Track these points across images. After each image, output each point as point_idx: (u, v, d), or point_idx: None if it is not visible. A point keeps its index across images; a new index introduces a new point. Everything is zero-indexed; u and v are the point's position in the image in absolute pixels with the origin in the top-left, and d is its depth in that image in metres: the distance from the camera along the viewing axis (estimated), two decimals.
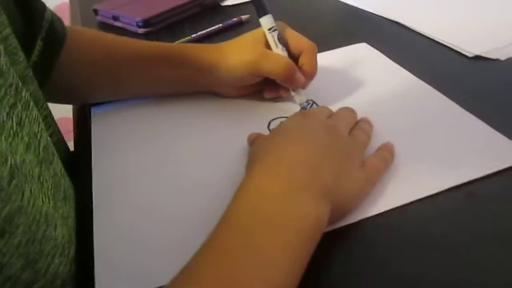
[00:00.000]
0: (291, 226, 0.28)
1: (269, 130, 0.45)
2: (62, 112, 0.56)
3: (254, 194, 0.30)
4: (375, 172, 0.36)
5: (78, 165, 0.44)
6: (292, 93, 0.46)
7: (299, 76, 0.45)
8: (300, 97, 0.46)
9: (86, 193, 0.39)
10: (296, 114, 0.40)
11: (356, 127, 0.40)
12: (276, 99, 0.49)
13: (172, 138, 0.45)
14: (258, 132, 0.43)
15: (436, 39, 0.59)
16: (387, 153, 0.38)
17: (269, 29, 0.45)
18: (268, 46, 0.46)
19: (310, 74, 0.46)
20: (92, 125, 0.48)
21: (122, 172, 0.41)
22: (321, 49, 0.49)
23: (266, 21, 0.45)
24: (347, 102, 0.47)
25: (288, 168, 0.31)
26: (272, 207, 0.28)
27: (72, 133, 0.52)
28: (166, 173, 0.41)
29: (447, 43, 0.58)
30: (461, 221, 0.33)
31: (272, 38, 0.45)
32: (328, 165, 0.33)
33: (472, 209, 0.34)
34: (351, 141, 0.37)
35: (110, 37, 0.51)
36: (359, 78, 0.52)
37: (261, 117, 0.47)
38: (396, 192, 0.35)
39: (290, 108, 0.48)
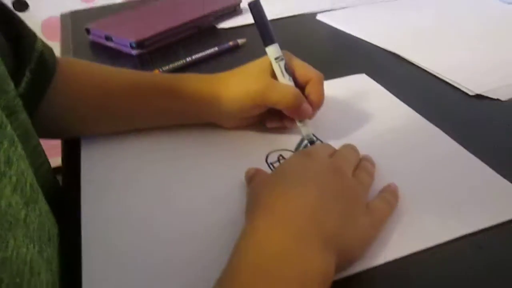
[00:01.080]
0: (300, 283, 0.26)
1: (267, 163, 0.43)
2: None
3: (256, 249, 0.28)
4: (380, 217, 0.34)
5: (65, 198, 0.42)
6: (298, 124, 0.45)
7: (307, 107, 0.44)
8: (306, 128, 0.45)
9: (73, 228, 0.37)
10: (298, 153, 0.39)
11: (359, 167, 0.39)
12: (276, 130, 0.48)
13: (165, 171, 0.43)
14: (256, 166, 0.41)
15: (436, 74, 0.59)
16: (391, 196, 0.37)
17: (276, 59, 0.44)
18: (273, 76, 0.44)
19: (317, 104, 0.45)
20: (82, 154, 0.46)
21: (112, 208, 0.39)
22: None
23: (273, 50, 0.44)
24: (348, 137, 0.46)
25: (292, 216, 0.30)
26: (275, 264, 0.26)
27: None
28: (158, 211, 0.38)
29: (448, 79, 0.57)
30: (468, 273, 0.32)
31: (279, 68, 0.44)
32: (333, 211, 0.31)
33: (480, 261, 0.33)
34: (356, 184, 0.36)
35: (105, 70, 0.48)
36: (359, 111, 0.51)
37: (259, 149, 0.45)
38: (402, 241, 0.34)
39: (289, 140, 0.46)
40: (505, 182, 0.39)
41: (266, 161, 0.43)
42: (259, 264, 0.26)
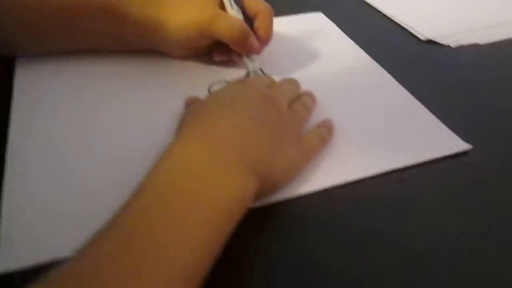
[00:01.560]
0: (212, 206, 0.26)
1: (209, 93, 0.42)
2: None
3: (176, 165, 0.27)
4: (310, 150, 0.35)
5: None
6: (245, 59, 0.44)
7: (254, 41, 0.43)
8: (253, 64, 0.44)
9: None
10: (235, 82, 0.38)
11: (297, 101, 0.39)
12: (223, 63, 0.47)
13: (103, 94, 0.42)
14: (198, 96, 0.41)
15: (391, 17, 0.58)
16: (325, 131, 0.37)
17: None
18: (221, 6, 0.43)
19: (265, 39, 0.44)
20: (16, 74, 0.44)
21: (43, 129, 0.38)
22: (274, 14, 0.47)
23: None
24: (295, 74, 0.46)
25: (216, 139, 0.29)
26: (193, 182, 0.27)
27: None
28: (91, 134, 0.37)
29: (402, 23, 0.57)
30: (390, 207, 0.33)
31: (228, 1, 0.43)
32: (261, 138, 0.31)
33: (402, 195, 0.34)
34: (289, 115, 0.36)
35: None
36: (311, 50, 0.51)
37: (204, 80, 0.44)
38: (328, 172, 0.35)
39: (235, 72, 0.45)
40: (439, 123, 0.40)
41: (209, 91, 0.43)
42: (177, 180, 0.26)
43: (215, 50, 0.46)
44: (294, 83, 0.41)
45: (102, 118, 0.39)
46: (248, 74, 0.45)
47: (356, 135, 0.38)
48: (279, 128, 0.33)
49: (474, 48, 0.53)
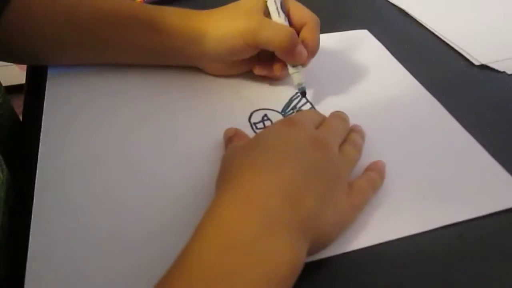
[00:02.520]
0: (261, 278, 0.23)
1: (250, 123, 0.40)
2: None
3: (221, 231, 0.25)
4: (362, 200, 0.32)
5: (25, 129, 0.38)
6: (290, 71, 0.41)
7: (302, 49, 0.40)
8: (299, 76, 0.41)
9: (29, 177, 0.34)
10: (281, 121, 0.35)
11: (347, 140, 0.36)
12: (263, 87, 0.44)
13: (134, 118, 0.39)
14: (237, 125, 0.38)
15: (442, 38, 0.54)
16: (376, 176, 0.34)
17: None
18: (267, 14, 0.41)
19: (313, 50, 0.41)
20: (46, 90, 0.42)
21: (72, 156, 0.35)
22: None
23: None
24: (337, 98, 0.43)
25: (264, 199, 0.26)
26: (240, 249, 0.24)
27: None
28: (121, 164, 0.35)
29: (454, 45, 0.53)
30: (449, 263, 0.30)
31: (274, 5, 0.40)
32: (311, 189, 0.28)
33: (461, 251, 0.31)
34: (340, 160, 0.33)
35: None
36: (354, 69, 0.47)
37: (243, 105, 0.41)
38: (379, 227, 0.32)
39: (276, 99, 0.43)
40: (499, 168, 0.36)
41: (249, 120, 0.40)
42: (224, 248, 0.24)
43: (256, 64, 0.43)
44: (344, 120, 0.38)
45: (133, 146, 0.37)
46: (290, 101, 0.42)
47: (406, 179, 0.35)
48: (330, 177, 0.30)
49: None
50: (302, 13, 0.41)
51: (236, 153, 0.32)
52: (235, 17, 0.40)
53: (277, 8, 0.40)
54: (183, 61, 0.43)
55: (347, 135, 0.36)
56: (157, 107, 0.40)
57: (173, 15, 0.41)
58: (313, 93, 0.43)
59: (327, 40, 0.51)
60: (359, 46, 0.52)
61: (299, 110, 0.41)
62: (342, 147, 0.34)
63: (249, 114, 0.40)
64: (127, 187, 0.33)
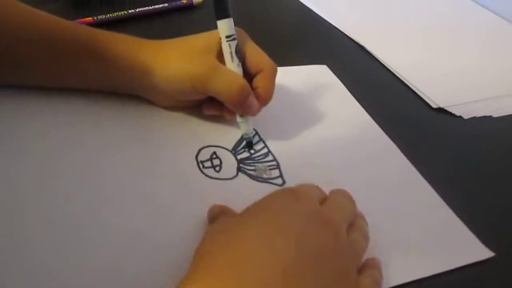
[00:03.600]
0: None
1: (197, 161, 0.36)
2: None
3: None
4: None
5: None
6: (238, 119, 0.38)
7: (252, 102, 0.37)
8: (247, 126, 0.38)
9: None
10: (281, 191, 0.29)
11: (355, 226, 0.30)
12: (214, 120, 0.41)
13: (63, 145, 0.35)
14: (183, 162, 0.35)
15: (401, 78, 0.54)
16: (379, 275, 0.29)
17: (227, 37, 0.36)
18: (220, 56, 0.37)
19: (265, 100, 0.38)
20: None
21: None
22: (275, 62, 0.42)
23: (225, 26, 0.36)
24: (293, 138, 0.41)
25: (251, 281, 0.22)
26: None
27: None
28: (35, 209, 0.30)
29: (412, 86, 0.52)
30: None
31: (228, 49, 0.37)
32: (313, 280, 0.23)
33: None
34: (350, 249, 0.27)
35: (15, 9, 0.37)
36: (311, 106, 0.46)
37: (191, 141, 0.38)
38: None
39: (228, 135, 0.40)
40: (458, 223, 0.35)
41: (196, 158, 0.37)
42: None
43: (206, 103, 0.40)
44: (351, 199, 0.32)
45: (53, 185, 0.32)
46: (242, 139, 0.39)
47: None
48: (337, 266, 0.25)
49: (486, 120, 0.49)
50: (259, 59, 0.38)
51: (219, 228, 0.27)
52: (186, 60, 0.36)
53: (231, 53, 0.37)
54: (127, 91, 0.40)
55: (354, 219, 0.31)
56: (88, 140, 0.36)
57: (121, 43, 0.37)
58: (267, 129, 0.41)
59: (285, 73, 0.49)
60: (317, 81, 0.50)
61: (246, 146, 0.39)
62: (350, 233, 0.29)
63: (196, 151, 0.37)
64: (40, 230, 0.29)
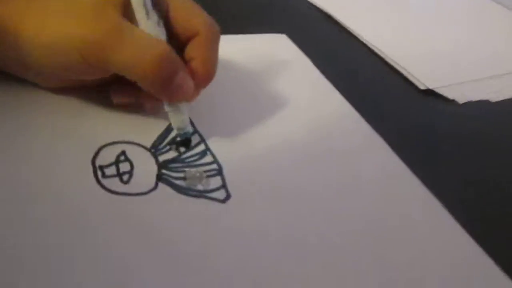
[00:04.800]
0: None
1: (93, 167, 0.23)
2: None
3: None
4: None
5: None
6: (167, 108, 0.25)
7: (183, 80, 0.24)
8: (180, 117, 0.26)
9: None
10: None
11: None
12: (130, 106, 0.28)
13: None
14: (73, 173, 0.22)
15: (380, 54, 0.43)
16: None
17: None
18: (128, 11, 0.24)
19: (203, 78, 0.26)
20: None
21: None
22: (225, 31, 0.29)
23: None
24: (247, 136, 0.28)
25: None
26: None
27: None
28: None
29: (395, 64, 0.42)
30: None
31: (141, 2, 0.24)
32: None
33: None
34: None
35: None
36: (270, 92, 0.34)
37: (88, 135, 0.25)
38: None
39: (147, 129, 0.27)
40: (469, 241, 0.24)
41: (93, 162, 0.24)
42: None
43: (113, 86, 0.27)
44: None
45: None
46: (168, 130, 0.27)
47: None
48: None
49: (484, 105, 0.39)
50: (192, 16, 0.26)
51: None
52: (71, 17, 0.23)
53: (145, 4, 0.23)
54: None
55: None
56: None
57: None
58: (205, 117, 0.29)
59: (232, 43, 0.37)
60: (275, 53, 0.38)
61: (181, 145, 0.26)
62: None
63: (93, 152, 0.24)
64: None
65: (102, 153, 0.24)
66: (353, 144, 0.30)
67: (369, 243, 0.23)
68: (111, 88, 0.27)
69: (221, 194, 0.24)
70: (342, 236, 0.23)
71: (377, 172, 0.28)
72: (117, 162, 0.24)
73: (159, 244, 0.20)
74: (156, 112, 0.27)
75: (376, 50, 0.43)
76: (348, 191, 0.26)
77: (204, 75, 0.25)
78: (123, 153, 0.25)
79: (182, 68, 0.24)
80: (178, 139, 0.26)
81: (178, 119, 0.26)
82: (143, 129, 0.27)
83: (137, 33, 0.23)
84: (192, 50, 0.26)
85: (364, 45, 0.44)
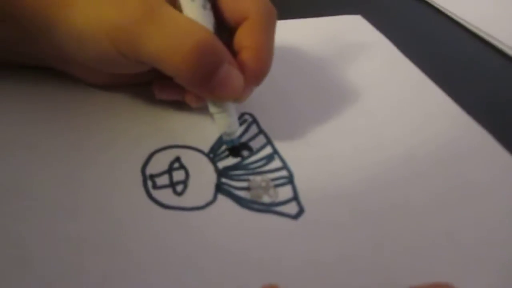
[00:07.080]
0: None
1: (143, 176, 0.20)
2: None
3: None
4: None
5: None
6: (211, 109, 0.22)
7: (229, 76, 0.20)
8: (227, 119, 0.21)
9: None
10: None
11: None
12: (177, 106, 0.24)
13: None
14: (126, 175, 0.19)
15: (464, 24, 0.37)
16: None
17: None
18: (176, 3, 0.20)
19: (256, 72, 0.21)
20: None
21: None
22: (293, 14, 0.24)
23: None
24: (321, 135, 0.24)
25: None
26: None
27: None
28: None
29: (481, 32, 0.35)
30: None
31: None
32: None
33: None
34: None
35: None
36: (346, 83, 0.29)
37: (138, 140, 0.22)
38: None
39: (204, 133, 0.23)
40: None
41: (143, 170, 0.21)
42: None
43: (156, 80, 0.24)
44: None
45: None
46: (229, 145, 0.23)
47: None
48: None
49: None
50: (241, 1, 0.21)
51: None
52: (103, 1, 0.19)
53: None
54: (36, 61, 0.24)
55: None
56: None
57: None
58: (272, 115, 0.25)
59: (296, 28, 0.32)
60: (350, 38, 0.33)
61: (230, 154, 0.22)
62: None
63: (143, 159, 0.21)
64: None
65: (153, 160, 0.21)
66: (463, 149, 0.24)
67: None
68: (153, 83, 0.24)
69: (292, 208, 0.20)
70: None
71: (488, 176, 0.22)
72: (170, 170, 0.21)
73: (217, 268, 0.17)
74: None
75: (466, 25, 0.37)
76: (462, 206, 0.21)
77: (256, 68, 0.21)
78: (177, 159, 0.21)
79: (227, 60, 0.20)
80: (224, 147, 0.22)
81: (224, 122, 0.21)
82: (200, 131, 0.23)
83: (174, 18, 0.19)
84: (241, 38, 0.21)
85: (450, 18, 0.38)
